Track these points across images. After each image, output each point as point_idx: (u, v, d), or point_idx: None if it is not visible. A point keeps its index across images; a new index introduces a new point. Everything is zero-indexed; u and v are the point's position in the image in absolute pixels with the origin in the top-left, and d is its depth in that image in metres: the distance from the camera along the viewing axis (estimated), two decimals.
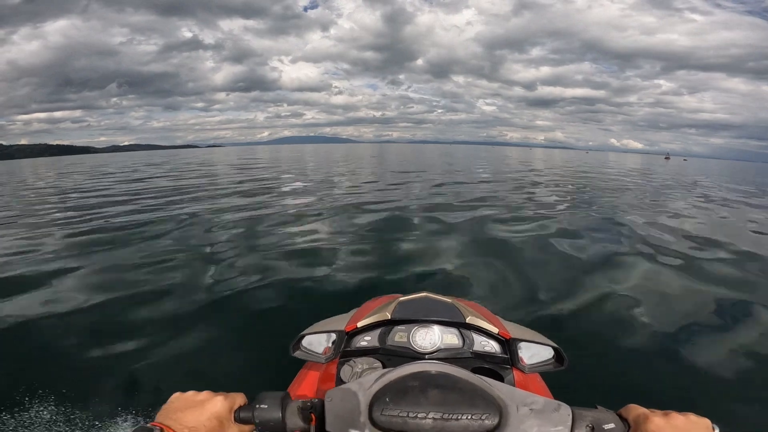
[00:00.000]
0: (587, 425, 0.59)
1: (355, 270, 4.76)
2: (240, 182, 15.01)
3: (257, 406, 0.63)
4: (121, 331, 3.26)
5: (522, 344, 1.10)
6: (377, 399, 0.61)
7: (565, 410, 0.59)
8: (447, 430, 0.57)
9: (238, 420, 0.63)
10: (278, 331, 3.16)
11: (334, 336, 1.15)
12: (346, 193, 11.96)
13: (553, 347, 1.09)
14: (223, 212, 8.80)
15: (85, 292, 4.13)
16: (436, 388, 0.61)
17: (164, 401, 0.65)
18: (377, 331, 1.15)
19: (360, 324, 1.14)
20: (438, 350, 1.08)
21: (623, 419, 0.61)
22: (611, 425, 0.60)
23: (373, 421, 0.59)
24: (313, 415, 0.63)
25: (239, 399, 0.66)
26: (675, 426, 0.56)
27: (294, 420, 0.63)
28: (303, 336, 1.16)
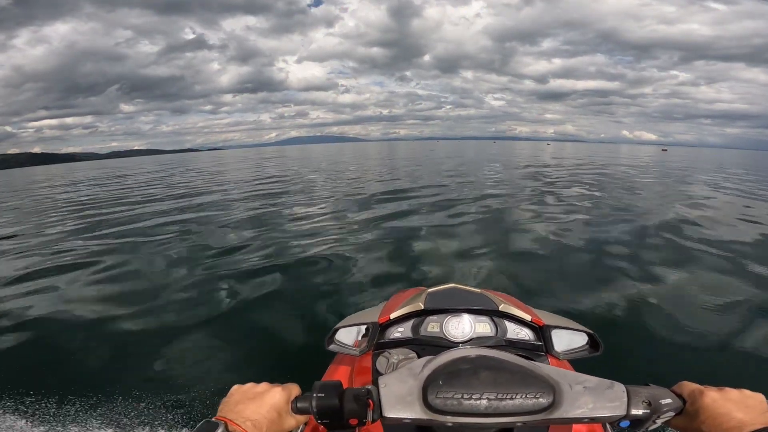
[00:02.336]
0: (643, 401, 0.59)
1: (381, 265, 4.83)
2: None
3: (315, 395, 0.64)
4: (167, 332, 3.42)
5: (555, 331, 1.10)
6: (430, 383, 0.62)
7: (619, 387, 0.60)
8: (502, 409, 0.58)
9: (296, 410, 0.65)
10: (307, 326, 3.25)
11: (366, 328, 1.16)
12: (369, 192, 12.06)
13: (588, 333, 1.09)
14: (243, 214, 8.95)
15: (135, 295, 4.32)
16: (487, 369, 0.62)
17: (224, 393, 0.67)
18: (410, 322, 1.16)
19: (393, 315, 1.15)
20: (471, 339, 1.09)
21: (677, 395, 0.61)
22: (668, 400, 0.60)
23: (428, 404, 0.60)
24: (370, 401, 0.64)
25: (295, 390, 0.67)
26: (730, 399, 0.56)
27: (351, 406, 0.64)
28: (337, 329, 1.17)
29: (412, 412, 0.61)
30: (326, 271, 4.72)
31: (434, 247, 5.64)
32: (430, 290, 1.26)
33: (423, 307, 1.14)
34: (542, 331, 1.10)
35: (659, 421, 0.60)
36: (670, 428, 0.63)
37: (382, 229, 6.83)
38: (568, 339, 1.10)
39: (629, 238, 5.90)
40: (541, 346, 1.10)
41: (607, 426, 0.89)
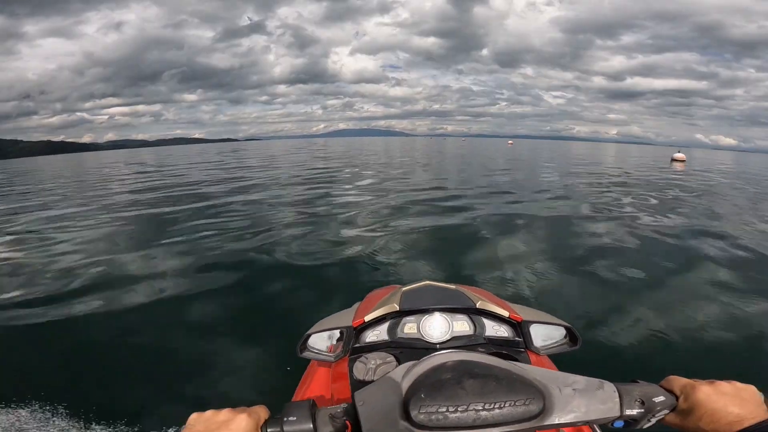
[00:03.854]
0: (636, 399, 0.57)
1: (351, 264, 4.74)
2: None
3: (285, 419, 0.58)
4: (119, 346, 3.13)
5: (534, 326, 1.08)
6: (411, 396, 0.57)
7: (610, 387, 0.58)
8: (491, 420, 0.54)
9: None
10: (280, 333, 3.12)
11: (340, 333, 1.10)
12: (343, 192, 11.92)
13: (565, 327, 1.08)
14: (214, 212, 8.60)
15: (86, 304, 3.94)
16: (471, 377, 0.58)
17: (179, 422, 0.59)
18: (385, 324, 1.11)
19: (368, 318, 1.10)
20: (450, 339, 1.06)
21: (668, 391, 0.60)
22: (661, 398, 0.58)
23: (411, 421, 0.55)
24: (347, 421, 0.58)
25: (263, 413, 0.60)
26: (724, 393, 0.55)
27: (326, 429, 0.58)
28: (309, 335, 1.11)
29: (395, 430, 0.55)
30: (298, 272, 4.58)
31: (406, 242, 5.62)
32: (404, 289, 1.22)
33: (398, 308, 1.09)
34: (521, 327, 1.08)
35: (654, 420, 0.58)
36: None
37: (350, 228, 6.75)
38: (546, 334, 1.09)
39: None
40: (520, 343, 1.08)
41: (595, 427, 0.88)
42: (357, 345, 1.10)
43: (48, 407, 2.26)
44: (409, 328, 1.08)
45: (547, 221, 7.20)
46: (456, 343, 1.05)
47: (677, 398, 0.58)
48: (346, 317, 1.15)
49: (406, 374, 0.61)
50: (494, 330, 1.09)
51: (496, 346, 1.06)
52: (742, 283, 4.17)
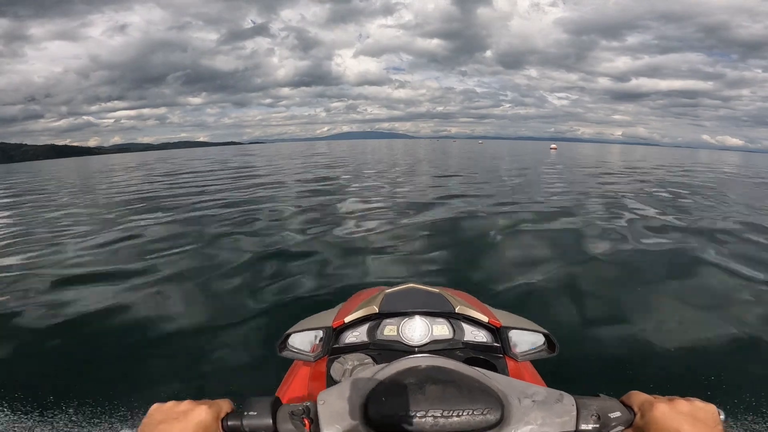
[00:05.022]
0: (592, 414, 0.57)
1: (338, 263, 4.72)
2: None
3: (246, 413, 0.59)
4: (91, 336, 3.14)
5: (513, 332, 1.09)
6: (372, 399, 0.58)
7: (569, 400, 0.58)
8: (448, 427, 0.55)
9: (227, 429, 0.59)
10: (263, 330, 3.10)
11: (321, 333, 1.11)
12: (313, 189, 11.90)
13: (544, 333, 1.08)
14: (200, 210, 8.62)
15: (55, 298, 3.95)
16: (433, 383, 0.59)
17: (142, 413, 0.60)
18: (365, 326, 1.12)
19: (347, 319, 1.10)
20: (429, 342, 1.06)
21: (627, 407, 0.59)
22: (617, 413, 0.58)
23: (369, 423, 0.56)
24: (306, 420, 0.59)
25: (225, 406, 0.61)
26: (680, 412, 0.54)
27: (286, 426, 0.59)
28: (289, 335, 1.12)
29: (352, 431, 0.56)
30: (284, 270, 4.55)
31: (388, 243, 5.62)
32: (387, 291, 1.22)
33: (378, 311, 1.09)
34: (499, 333, 1.09)
35: None
36: None
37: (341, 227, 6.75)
38: (525, 340, 1.09)
39: None
40: (498, 348, 1.08)
41: None
42: (337, 345, 1.10)
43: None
44: (389, 330, 1.08)
45: None
46: (435, 346, 1.05)
47: (635, 414, 0.58)
48: (326, 318, 1.16)
49: (371, 377, 0.62)
50: (473, 335, 1.10)
51: (474, 351, 1.06)
52: None
